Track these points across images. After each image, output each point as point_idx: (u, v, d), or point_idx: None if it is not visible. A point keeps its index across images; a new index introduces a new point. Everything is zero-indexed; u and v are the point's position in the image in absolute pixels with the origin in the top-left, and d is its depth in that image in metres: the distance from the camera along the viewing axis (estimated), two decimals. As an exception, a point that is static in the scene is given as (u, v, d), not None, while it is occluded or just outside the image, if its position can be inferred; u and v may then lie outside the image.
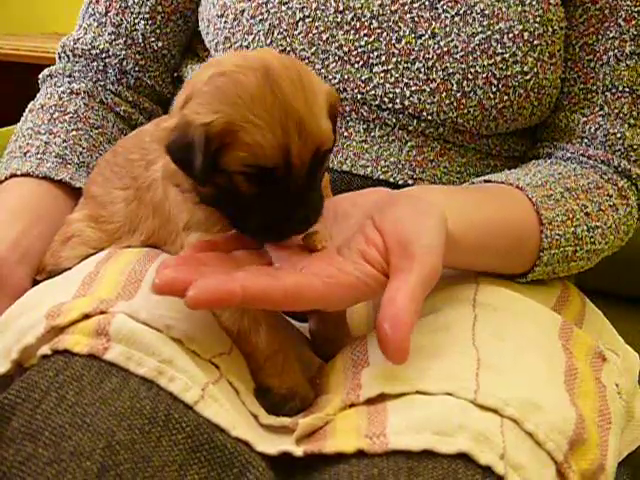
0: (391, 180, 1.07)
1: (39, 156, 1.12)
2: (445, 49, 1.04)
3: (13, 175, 1.10)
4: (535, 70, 1.05)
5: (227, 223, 0.83)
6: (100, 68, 1.23)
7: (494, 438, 0.71)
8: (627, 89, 1.09)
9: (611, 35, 1.09)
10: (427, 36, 1.04)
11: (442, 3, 1.05)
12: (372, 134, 1.08)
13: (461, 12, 1.04)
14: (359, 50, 1.06)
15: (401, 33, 1.05)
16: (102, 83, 1.23)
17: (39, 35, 3.07)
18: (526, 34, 1.04)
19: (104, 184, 1.01)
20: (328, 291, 0.75)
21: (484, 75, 1.03)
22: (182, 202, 0.86)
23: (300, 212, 0.79)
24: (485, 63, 1.03)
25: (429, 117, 1.06)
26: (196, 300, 0.69)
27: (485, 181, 1.02)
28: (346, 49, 1.06)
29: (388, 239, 0.78)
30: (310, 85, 0.80)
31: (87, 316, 0.76)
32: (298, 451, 0.73)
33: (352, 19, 1.06)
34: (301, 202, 0.80)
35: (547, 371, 0.82)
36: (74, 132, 1.17)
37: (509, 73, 1.04)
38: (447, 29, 1.04)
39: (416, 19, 1.05)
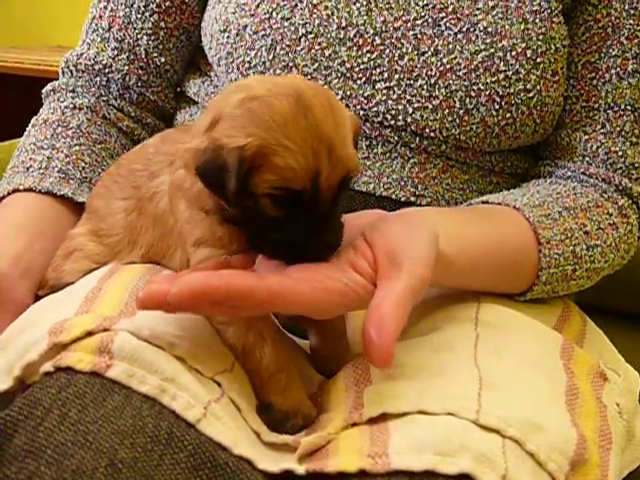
0: (393, 197, 1.07)
1: (42, 171, 1.12)
2: (448, 66, 1.04)
3: (16, 190, 1.10)
4: (538, 88, 1.05)
5: (246, 242, 0.83)
6: (103, 83, 1.23)
7: (496, 459, 0.71)
8: (629, 107, 1.09)
9: (613, 53, 1.09)
10: (430, 53, 1.04)
11: (445, 20, 1.05)
12: (374, 151, 1.08)
13: (464, 29, 1.04)
14: (362, 67, 1.06)
15: (404, 50, 1.05)
16: (105, 98, 1.23)
17: (43, 48, 3.07)
18: (529, 52, 1.04)
19: (106, 196, 1.01)
20: (314, 295, 0.75)
21: (487, 92, 1.03)
22: (197, 218, 0.85)
23: (325, 238, 0.79)
24: (488, 80, 1.03)
25: (431, 134, 1.06)
26: (179, 297, 0.69)
27: (483, 202, 1.02)
28: (349, 65, 1.06)
29: (377, 251, 0.78)
30: (339, 112, 0.81)
31: (90, 333, 0.76)
32: (300, 469, 0.73)
33: (355, 35, 1.06)
34: (326, 227, 0.80)
35: (548, 391, 0.82)
36: (77, 147, 1.17)
37: (512, 91, 1.04)
38: (450, 46, 1.04)
39: (419, 36, 1.05)
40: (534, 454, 0.73)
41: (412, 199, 1.07)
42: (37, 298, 0.99)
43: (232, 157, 0.77)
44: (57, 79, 1.27)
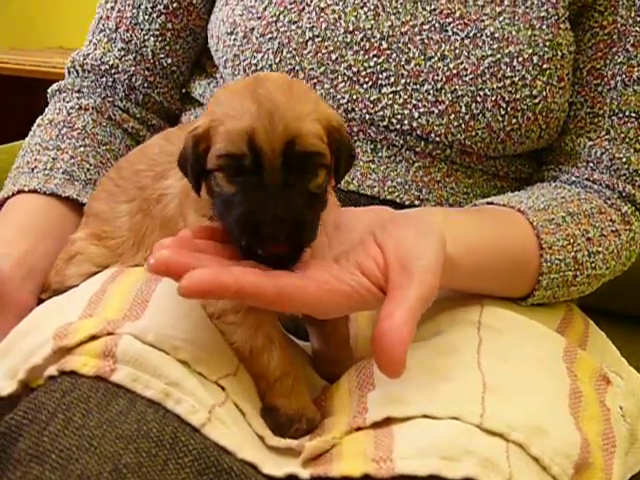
0: (397, 200, 1.07)
1: (46, 172, 1.12)
2: (454, 71, 1.04)
3: (20, 191, 1.10)
4: (544, 94, 1.05)
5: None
6: (109, 84, 1.23)
7: (500, 463, 0.71)
8: (634, 114, 1.09)
9: (619, 60, 1.09)
10: (436, 58, 1.04)
11: (452, 25, 1.05)
12: (379, 154, 1.08)
13: (471, 35, 1.04)
14: (368, 71, 1.06)
15: (410, 55, 1.05)
16: (111, 99, 1.23)
17: (44, 49, 3.07)
18: (535, 58, 1.04)
19: (107, 200, 1.01)
20: (320, 296, 0.75)
21: (493, 98, 1.03)
22: (201, 223, 0.84)
23: (275, 211, 0.73)
24: (494, 86, 1.03)
25: (437, 139, 1.06)
26: (189, 289, 0.69)
27: (487, 203, 1.02)
28: (355, 69, 1.06)
29: (388, 256, 0.78)
30: (299, 92, 0.79)
31: (94, 337, 0.76)
32: (304, 474, 0.73)
33: (362, 39, 1.06)
34: (275, 201, 0.74)
35: (552, 395, 0.82)
36: (82, 148, 1.17)
37: (518, 96, 1.04)
38: (457, 51, 1.04)
39: (426, 41, 1.05)
40: (538, 458, 0.73)
41: (416, 203, 1.07)
42: (40, 301, 0.98)
43: (189, 139, 0.79)
44: (58, 80, 1.27)
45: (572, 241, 0.99)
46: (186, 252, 0.73)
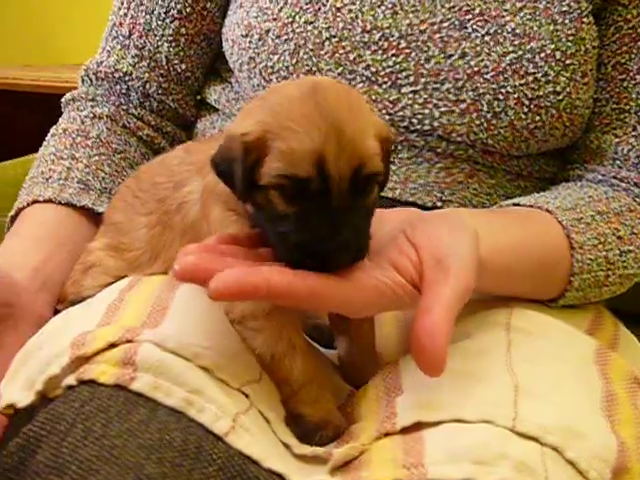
0: (419, 202, 1.05)
1: (61, 182, 1.11)
2: (475, 69, 1.02)
3: (35, 201, 1.09)
4: (568, 90, 1.03)
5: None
6: (123, 91, 1.22)
7: (536, 467, 0.69)
8: None
9: None
10: (457, 56, 1.03)
11: (472, 22, 1.03)
12: (400, 156, 1.06)
13: (491, 31, 1.02)
14: (387, 70, 1.04)
15: (430, 53, 1.03)
16: (125, 107, 1.22)
17: (58, 66, 3.08)
18: (558, 53, 1.02)
19: (126, 211, 1.00)
20: (354, 294, 0.72)
21: (515, 95, 1.02)
22: (229, 220, 0.82)
23: (341, 238, 0.71)
24: (516, 83, 1.01)
25: (458, 138, 1.04)
26: (219, 292, 0.66)
27: (514, 204, 1.00)
28: (374, 69, 1.04)
29: (422, 252, 0.75)
30: (358, 104, 0.75)
31: (113, 345, 0.74)
32: None
33: (380, 39, 1.04)
34: (342, 225, 0.71)
35: (586, 397, 0.80)
36: (96, 157, 1.16)
37: (541, 93, 1.02)
38: (477, 49, 1.02)
39: (445, 39, 1.03)
40: (574, 462, 0.71)
41: (439, 204, 1.05)
42: (56, 312, 0.97)
43: (237, 145, 0.74)
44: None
45: (603, 240, 0.98)
46: (212, 256, 0.71)
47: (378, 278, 0.74)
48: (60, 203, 1.09)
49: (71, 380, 0.74)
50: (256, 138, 0.73)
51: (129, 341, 0.75)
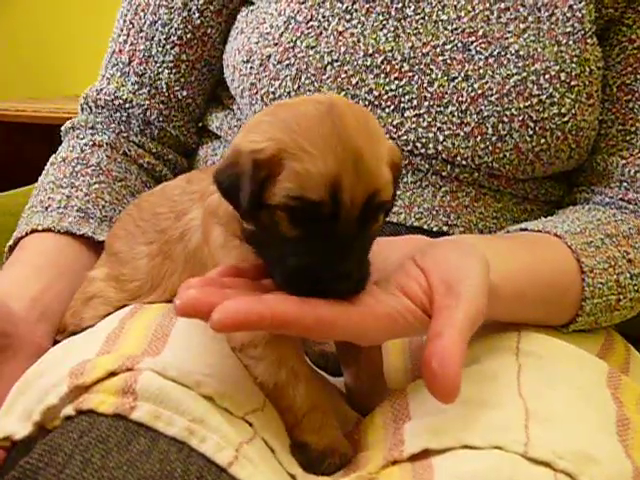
0: (425, 227, 1.04)
1: (61, 210, 1.10)
2: (479, 92, 1.01)
3: (34, 230, 1.08)
4: (573, 112, 1.02)
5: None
6: (123, 119, 1.21)
7: None
8: None
9: None
10: (460, 79, 1.02)
11: (475, 45, 1.02)
12: (404, 180, 1.05)
13: (495, 53, 1.02)
14: (390, 94, 1.03)
15: (433, 76, 1.02)
16: (125, 134, 1.21)
17: (60, 98, 3.10)
18: (563, 75, 1.01)
19: (127, 240, 0.98)
20: (363, 321, 0.70)
21: (520, 118, 1.01)
22: (231, 245, 0.81)
23: (345, 267, 0.70)
24: (521, 105, 1.01)
25: (463, 162, 1.03)
26: (222, 324, 0.65)
27: (521, 229, 0.99)
28: (376, 93, 1.03)
29: (432, 277, 0.74)
30: (375, 130, 0.74)
31: (112, 374, 0.73)
32: None
33: (382, 62, 1.03)
34: (348, 254, 0.70)
35: (598, 421, 0.78)
36: (96, 185, 1.14)
37: (546, 115, 1.01)
38: (481, 71, 1.01)
39: (448, 61, 1.02)
40: None
41: (444, 229, 1.04)
42: (55, 343, 0.96)
43: (247, 160, 0.72)
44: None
45: (613, 264, 0.96)
46: (214, 290, 0.70)
47: (388, 304, 0.72)
48: (59, 232, 1.08)
49: (70, 410, 0.72)
50: (270, 155, 0.71)
51: (129, 369, 0.73)
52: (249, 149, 0.72)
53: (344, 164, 0.69)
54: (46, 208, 1.11)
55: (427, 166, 1.04)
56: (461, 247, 0.79)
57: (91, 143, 1.19)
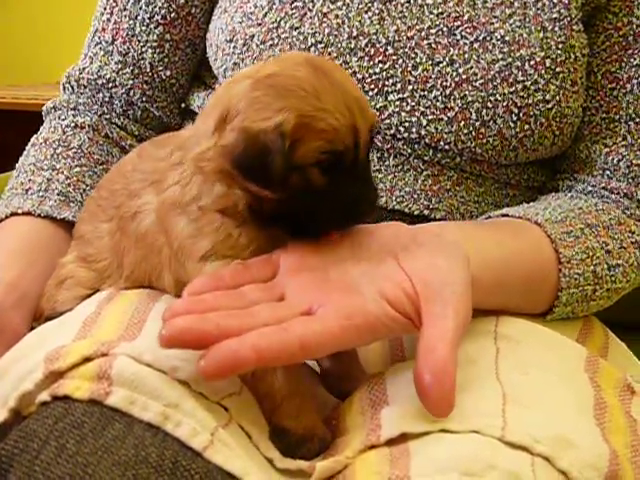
0: (406, 210, 1.04)
1: (41, 194, 1.09)
2: (464, 76, 1.00)
3: (14, 213, 1.06)
4: (557, 98, 1.02)
5: (263, 242, 0.81)
6: (106, 100, 1.20)
7: (525, 477, 0.67)
8: None
9: (635, 63, 1.06)
10: (445, 63, 1.01)
11: (460, 29, 1.02)
12: (386, 163, 1.04)
13: (480, 38, 1.01)
14: (373, 77, 1.02)
15: (417, 60, 1.02)
16: (107, 116, 1.20)
17: (41, 85, 3.09)
18: (548, 61, 1.01)
19: (90, 220, 0.98)
20: (346, 335, 0.72)
21: (504, 103, 1.00)
22: (206, 230, 0.82)
23: (369, 194, 0.82)
24: (505, 91, 1.00)
25: (446, 147, 1.02)
26: (208, 371, 0.66)
27: (502, 215, 0.99)
28: (360, 76, 1.03)
29: (419, 285, 0.75)
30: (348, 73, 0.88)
31: (88, 359, 0.72)
32: None
33: (366, 45, 1.02)
34: (368, 184, 0.82)
35: (576, 405, 0.79)
36: (77, 169, 1.13)
37: (530, 101, 1.01)
38: (466, 56, 1.01)
39: (433, 45, 1.01)
40: (566, 472, 0.69)
41: (425, 212, 1.04)
42: (32, 330, 0.94)
43: (273, 137, 0.76)
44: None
45: (591, 254, 0.97)
46: (197, 316, 0.70)
47: (370, 313, 0.73)
48: (40, 215, 1.06)
49: (45, 396, 0.71)
50: (295, 124, 0.76)
51: (104, 355, 0.72)
52: (269, 126, 0.76)
53: (354, 112, 0.78)
54: (26, 191, 1.09)
55: (409, 150, 1.03)
56: (445, 248, 0.79)
57: (73, 125, 1.18)
